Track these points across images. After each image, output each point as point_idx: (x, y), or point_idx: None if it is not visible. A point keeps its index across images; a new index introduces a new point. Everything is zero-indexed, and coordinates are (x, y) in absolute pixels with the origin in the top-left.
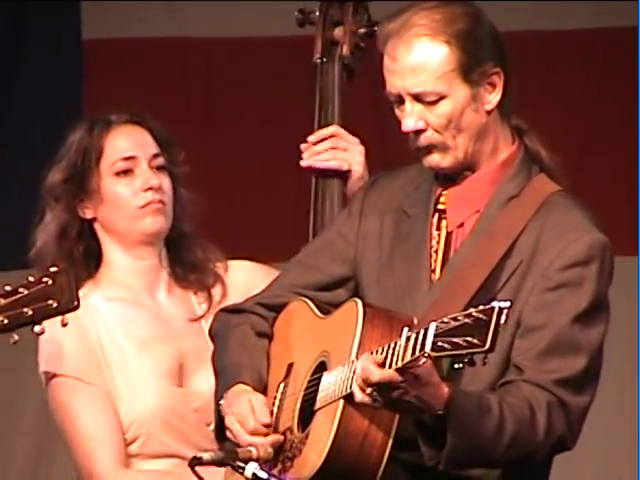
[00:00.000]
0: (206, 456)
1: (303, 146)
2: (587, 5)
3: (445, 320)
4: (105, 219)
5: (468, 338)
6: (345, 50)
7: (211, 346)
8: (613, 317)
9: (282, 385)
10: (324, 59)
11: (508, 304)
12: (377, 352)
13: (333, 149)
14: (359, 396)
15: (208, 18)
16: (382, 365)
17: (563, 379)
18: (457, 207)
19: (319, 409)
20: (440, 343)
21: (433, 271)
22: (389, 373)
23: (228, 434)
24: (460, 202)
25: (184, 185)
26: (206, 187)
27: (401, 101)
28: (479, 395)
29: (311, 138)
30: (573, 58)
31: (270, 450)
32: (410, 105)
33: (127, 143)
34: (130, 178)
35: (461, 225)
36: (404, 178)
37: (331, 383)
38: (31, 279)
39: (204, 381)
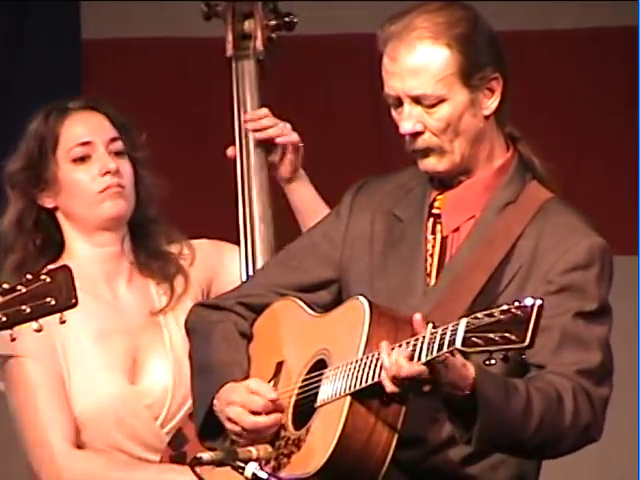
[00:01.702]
0: (206, 456)
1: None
2: (586, 5)
3: (479, 316)
4: (65, 207)
5: (505, 334)
6: (259, 44)
7: (167, 339)
8: (613, 317)
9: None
10: (238, 53)
11: (540, 302)
12: (402, 346)
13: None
14: (390, 387)
15: None
16: (411, 359)
17: (582, 370)
18: (452, 212)
19: (321, 406)
20: (474, 339)
21: (429, 275)
22: (419, 368)
23: (228, 425)
24: (455, 207)
25: (147, 168)
26: (205, 185)
27: (399, 103)
28: (504, 376)
29: (249, 126)
30: (572, 58)
31: (270, 450)
32: (409, 107)
33: (83, 129)
34: (88, 164)
35: (456, 230)
36: (394, 182)
37: (335, 380)
38: (29, 277)
39: (157, 376)
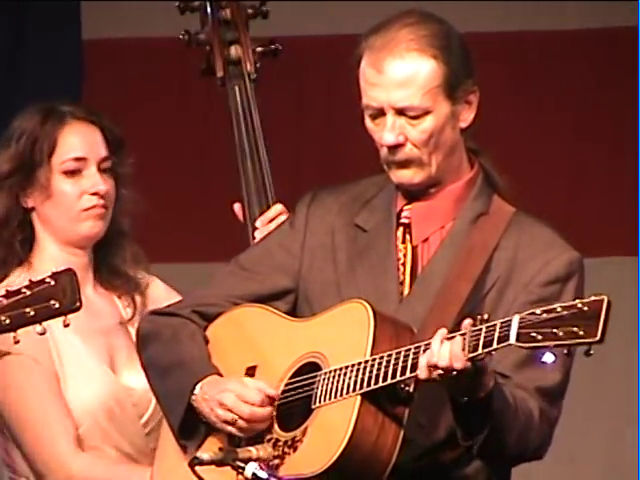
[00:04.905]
0: (206, 456)
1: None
2: (587, 5)
3: (537, 312)
4: (46, 214)
5: (573, 329)
6: (249, 67)
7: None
8: (613, 317)
9: None
10: (228, 78)
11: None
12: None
13: None
14: (423, 373)
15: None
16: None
17: (542, 388)
18: (423, 222)
19: (320, 407)
20: (533, 334)
21: (401, 283)
22: (469, 361)
23: (219, 411)
24: (426, 217)
25: (127, 184)
26: (202, 187)
27: (380, 114)
28: (502, 386)
29: (258, 224)
30: (573, 58)
31: (270, 450)
32: (392, 119)
33: (79, 143)
34: (77, 178)
35: (425, 240)
36: (349, 194)
37: (339, 381)
38: (33, 280)
39: (136, 376)
